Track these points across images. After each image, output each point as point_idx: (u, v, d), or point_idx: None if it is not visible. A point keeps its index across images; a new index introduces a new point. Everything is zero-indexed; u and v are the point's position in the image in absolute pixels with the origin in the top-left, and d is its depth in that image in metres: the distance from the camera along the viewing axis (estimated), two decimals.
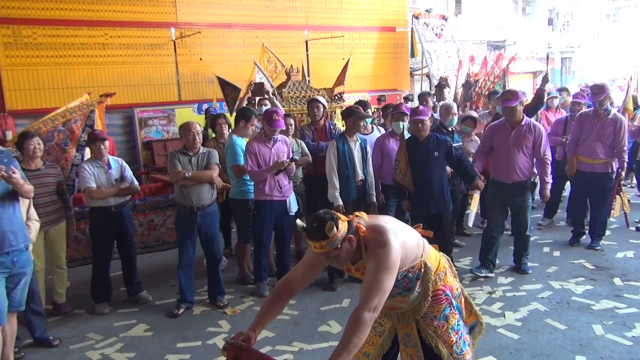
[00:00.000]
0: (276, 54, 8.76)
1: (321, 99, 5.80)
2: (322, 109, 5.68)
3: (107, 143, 4.76)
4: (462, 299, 2.78)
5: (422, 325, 2.62)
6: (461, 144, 5.98)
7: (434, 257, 2.64)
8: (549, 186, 5.21)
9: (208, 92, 9.50)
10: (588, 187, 5.78)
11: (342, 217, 2.33)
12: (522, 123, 5.04)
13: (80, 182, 4.68)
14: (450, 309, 2.64)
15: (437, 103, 7.46)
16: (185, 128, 4.65)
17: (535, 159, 5.12)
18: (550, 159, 5.21)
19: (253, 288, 5.14)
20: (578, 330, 4.00)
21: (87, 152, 5.27)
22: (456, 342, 2.64)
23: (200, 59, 9.76)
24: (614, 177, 5.70)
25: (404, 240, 2.39)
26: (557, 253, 5.76)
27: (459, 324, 2.68)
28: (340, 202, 4.92)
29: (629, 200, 6.15)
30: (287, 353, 3.88)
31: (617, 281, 4.90)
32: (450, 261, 2.84)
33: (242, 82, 7.99)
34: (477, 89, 7.90)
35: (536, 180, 5.64)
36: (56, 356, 4.02)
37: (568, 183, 6.60)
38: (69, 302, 4.88)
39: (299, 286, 2.50)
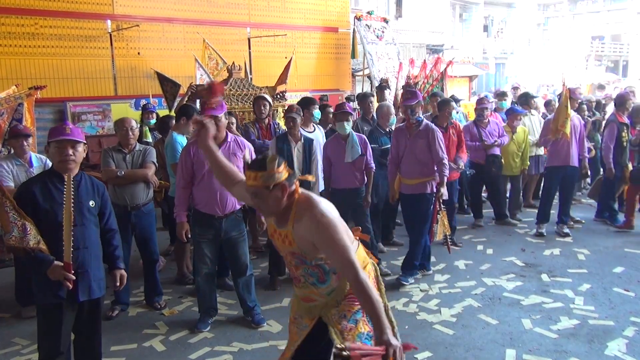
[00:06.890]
0: (218, 51, 8.64)
1: (267, 96, 5.79)
2: (268, 107, 5.71)
3: (30, 140, 4.56)
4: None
5: (330, 320, 2.45)
6: None
7: (362, 257, 2.52)
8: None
9: (146, 88, 9.20)
10: (412, 210, 5.03)
11: (289, 168, 2.35)
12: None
13: None
14: (363, 315, 2.43)
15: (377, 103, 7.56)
16: (119, 123, 4.54)
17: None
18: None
19: (192, 288, 5.03)
20: (509, 325, 4.18)
21: None
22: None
23: (139, 53, 9.45)
24: (432, 197, 4.97)
25: (336, 217, 2.35)
26: (489, 251, 5.98)
27: (368, 339, 2.41)
28: None
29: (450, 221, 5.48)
30: (226, 354, 3.83)
31: (545, 277, 5.16)
32: (378, 272, 2.67)
33: (182, 78, 7.82)
34: None
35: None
36: None
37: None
38: None
39: (231, 184, 2.67)
